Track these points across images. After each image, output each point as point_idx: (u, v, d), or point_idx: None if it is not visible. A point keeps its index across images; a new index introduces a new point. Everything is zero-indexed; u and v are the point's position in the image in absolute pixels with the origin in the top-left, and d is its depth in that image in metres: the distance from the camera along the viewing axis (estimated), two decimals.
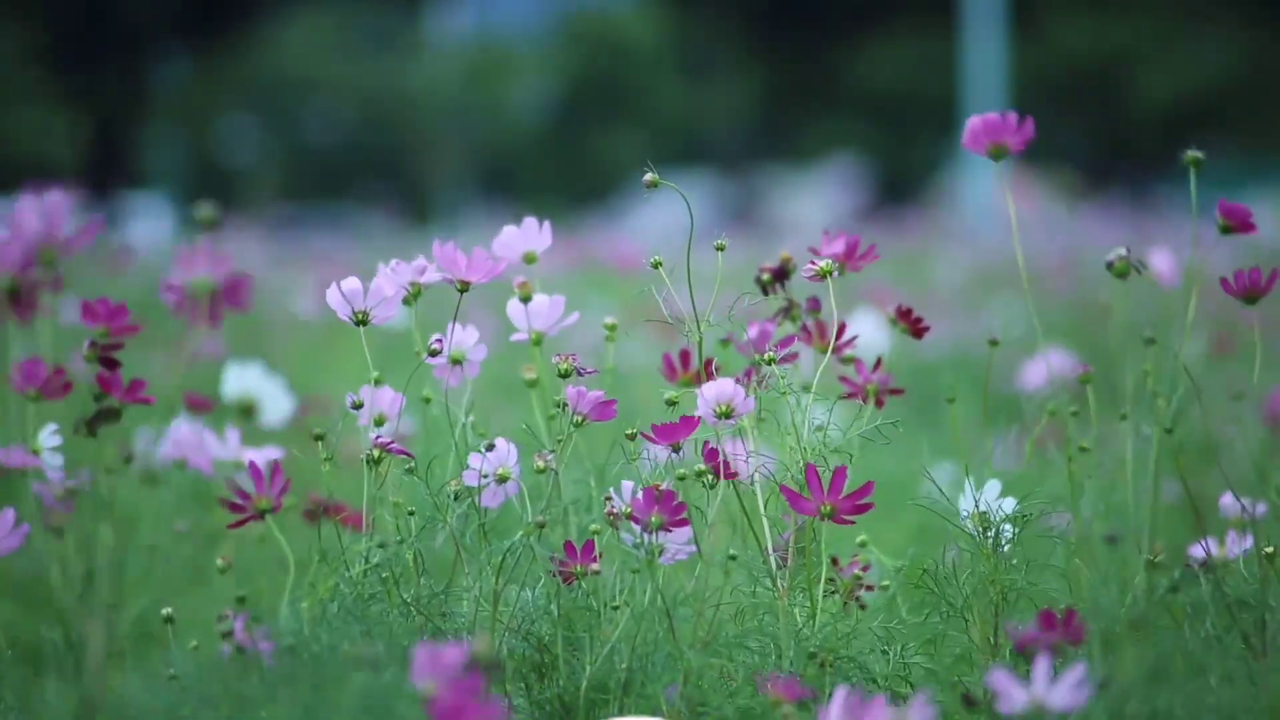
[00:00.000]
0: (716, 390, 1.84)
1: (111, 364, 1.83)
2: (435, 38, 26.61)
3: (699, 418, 1.84)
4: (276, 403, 2.65)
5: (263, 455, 2.30)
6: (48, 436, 1.86)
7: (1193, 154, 1.86)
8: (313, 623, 1.71)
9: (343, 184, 24.91)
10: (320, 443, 1.82)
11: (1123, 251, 1.89)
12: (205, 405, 2.81)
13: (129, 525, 2.79)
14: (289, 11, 26.36)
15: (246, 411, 2.66)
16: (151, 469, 2.71)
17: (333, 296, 1.86)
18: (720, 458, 1.83)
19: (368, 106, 25.60)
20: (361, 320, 1.86)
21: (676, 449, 1.83)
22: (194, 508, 2.71)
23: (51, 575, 1.73)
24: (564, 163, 25.31)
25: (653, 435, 1.83)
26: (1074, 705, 1.53)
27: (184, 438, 2.44)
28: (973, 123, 1.92)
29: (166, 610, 1.84)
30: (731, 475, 1.83)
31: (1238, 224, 1.86)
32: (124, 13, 25.74)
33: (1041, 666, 1.55)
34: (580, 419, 1.85)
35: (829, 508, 1.80)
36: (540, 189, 23.41)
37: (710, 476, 1.81)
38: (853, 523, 1.80)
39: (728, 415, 1.84)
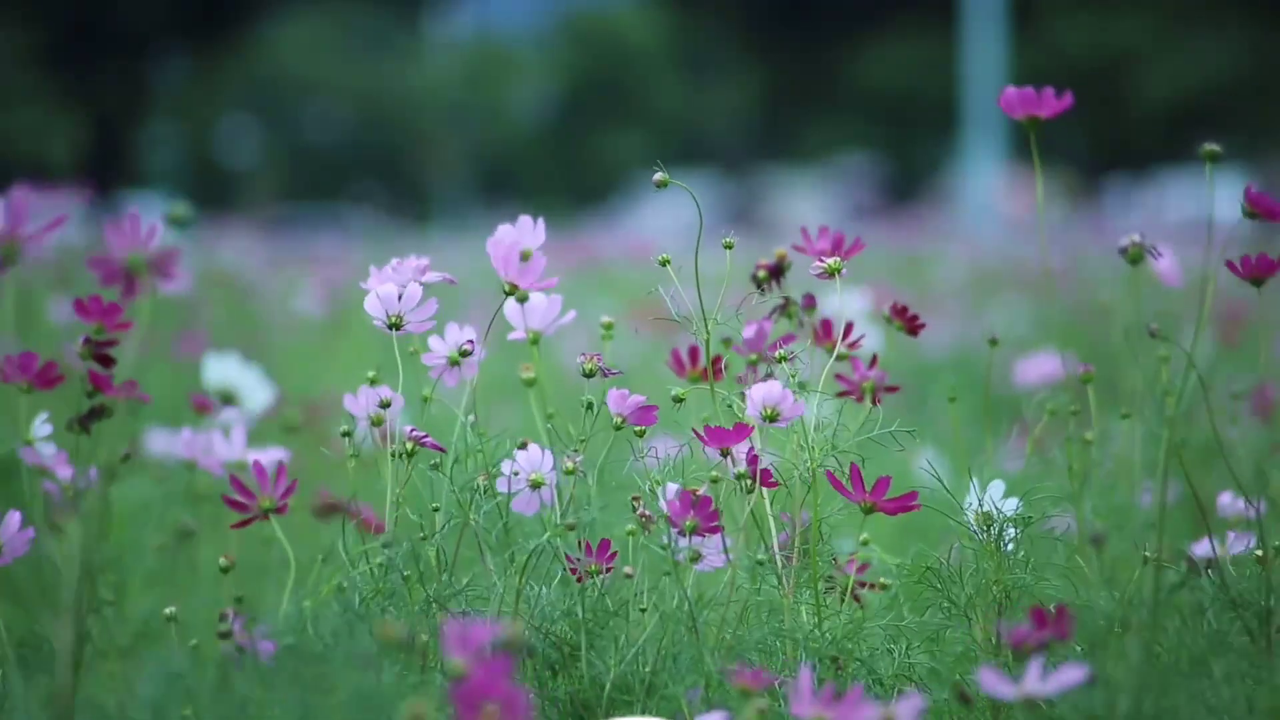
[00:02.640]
0: (764, 392, 1.82)
1: (106, 361, 1.83)
2: (434, 38, 26.61)
3: (753, 425, 1.82)
4: (255, 393, 2.66)
5: (268, 456, 2.30)
6: (40, 426, 1.85)
7: (1209, 148, 1.83)
8: (315, 621, 1.70)
9: (342, 184, 24.91)
10: (346, 439, 1.82)
11: (1136, 237, 1.88)
12: (208, 407, 2.80)
13: (130, 523, 2.78)
14: (288, 12, 26.36)
15: (227, 400, 2.67)
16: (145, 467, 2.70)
17: (371, 304, 1.87)
18: (758, 462, 1.81)
19: (367, 107, 25.61)
20: (395, 325, 1.87)
21: (725, 453, 1.82)
22: (193, 506, 2.71)
23: (46, 573, 1.73)
24: (564, 163, 25.31)
25: (704, 437, 1.81)
26: (1057, 694, 1.54)
27: (191, 439, 2.44)
28: (1008, 92, 1.90)
29: (170, 609, 1.84)
30: (771, 482, 1.81)
31: (1263, 211, 1.84)
32: (124, 12, 25.74)
33: (1035, 664, 1.55)
34: (620, 421, 1.84)
35: (869, 505, 1.80)
36: (540, 189, 23.42)
37: (749, 481, 1.80)
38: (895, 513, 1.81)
39: (774, 418, 1.82)
